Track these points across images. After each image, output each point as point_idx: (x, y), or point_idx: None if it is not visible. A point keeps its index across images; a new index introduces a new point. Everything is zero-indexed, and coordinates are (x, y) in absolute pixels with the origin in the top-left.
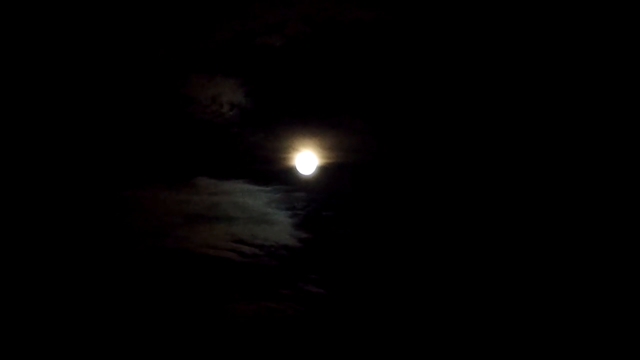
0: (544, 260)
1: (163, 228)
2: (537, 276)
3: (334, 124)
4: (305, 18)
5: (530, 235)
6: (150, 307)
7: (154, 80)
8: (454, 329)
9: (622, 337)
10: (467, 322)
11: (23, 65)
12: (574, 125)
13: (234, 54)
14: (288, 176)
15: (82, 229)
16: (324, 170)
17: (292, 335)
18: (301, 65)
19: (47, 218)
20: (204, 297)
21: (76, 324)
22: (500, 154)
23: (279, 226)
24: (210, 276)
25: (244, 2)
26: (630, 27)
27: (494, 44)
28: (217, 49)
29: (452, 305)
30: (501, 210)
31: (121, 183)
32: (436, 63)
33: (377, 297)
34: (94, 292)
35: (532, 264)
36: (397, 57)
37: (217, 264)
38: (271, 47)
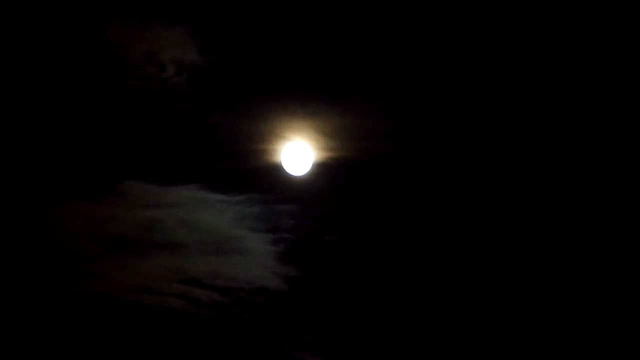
0: (555, 266)
1: (73, 260)
2: (550, 285)
3: (339, 100)
4: None
5: (547, 242)
6: None
7: (57, 27)
8: None
9: (622, 337)
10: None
11: None
12: (577, 126)
13: None
14: (269, 179)
15: None
16: (323, 170)
17: None
18: (289, 5)
19: None
20: None
21: None
22: (527, 155)
23: (255, 257)
24: (146, 336)
25: None
26: (630, 27)
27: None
28: None
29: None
30: (531, 223)
31: (8, 192)
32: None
33: None
34: None
35: (547, 274)
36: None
37: (156, 316)
38: None
